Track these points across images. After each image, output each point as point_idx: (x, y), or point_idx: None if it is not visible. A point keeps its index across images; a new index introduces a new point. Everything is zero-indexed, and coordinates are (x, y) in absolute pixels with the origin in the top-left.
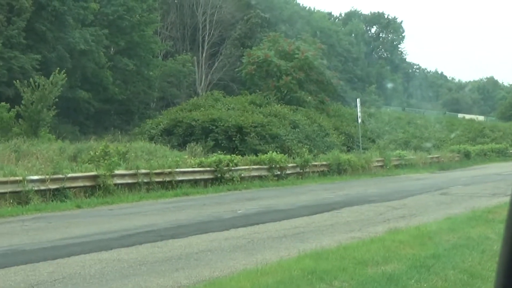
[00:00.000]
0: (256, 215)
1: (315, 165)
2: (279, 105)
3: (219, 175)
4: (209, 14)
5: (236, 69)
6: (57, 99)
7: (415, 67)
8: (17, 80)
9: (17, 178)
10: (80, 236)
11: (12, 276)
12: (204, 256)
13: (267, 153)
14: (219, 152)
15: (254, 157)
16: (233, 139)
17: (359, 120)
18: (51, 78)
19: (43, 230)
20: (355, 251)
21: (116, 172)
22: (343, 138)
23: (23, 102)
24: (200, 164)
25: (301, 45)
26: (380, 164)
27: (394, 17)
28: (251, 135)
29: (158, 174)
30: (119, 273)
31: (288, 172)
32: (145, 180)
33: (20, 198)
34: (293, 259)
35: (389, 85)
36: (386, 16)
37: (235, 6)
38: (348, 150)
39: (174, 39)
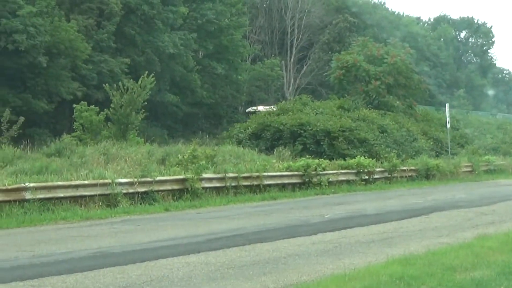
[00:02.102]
0: (343, 220)
1: (403, 170)
2: (368, 109)
3: (307, 179)
4: (298, 19)
5: (325, 74)
6: (145, 103)
7: (505, 72)
8: (107, 84)
9: (106, 181)
10: (168, 239)
11: (101, 278)
12: (291, 260)
13: (355, 158)
14: (307, 156)
15: (342, 162)
16: (321, 143)
17: (448, 125)
18: (139, 82)
19: (131, 233)
20: (443, 257)
21: (204, 175)
22: (431, 143)
23: (112, 105)
24: (288, 168)
25: (390, 50)
26: (468, 169)
27: (484, 22)
28: (339, 140)
29: (246, 178)
30: (207, 276)
31: (376, 176)
32: (233, 184)
33: (109, 201)
34: (381, 264)
35: (479, 91)
36: (475, 21)
37: (323, 11)
38: (437, 155)
39: (262, 43)
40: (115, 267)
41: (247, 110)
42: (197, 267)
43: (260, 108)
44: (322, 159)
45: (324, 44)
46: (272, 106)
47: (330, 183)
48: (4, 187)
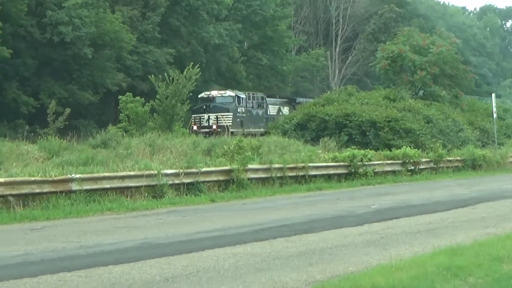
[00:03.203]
0: (389, 210)
1: (449, 160)
2: (413, 99)
3: (352, 170)
4: (343, 9)
5: (370, 64)
6: (191, 94)
7: None
8: (152, 75)
9: (152, 172)
10: (214, 230)
11: (148, 269)
12: (338, 251)
13: (400, 148)
14: (352, 147)
15: (388, 152)
16: (367, 134)
17: (494, 115)
18: (185, 73)
19: (177, 224)
20: (490, 248)
21: (250, 166)
22: (477, 133)
23: (157, 96)
24: (333, 159)
25: (435, 40)
26: None
27: None
28: (385, 130)
29: (291, 169)
30: (253, 267)
31: (421, 167)
32: (278, 175)
33: (155, 192)
34: (428, 255)
35: None
36: None
37: (368, 1)
38: (483, 146)
39: (307, 34)
40: (161, 258)
41: (199, 96)
42: (243, 258)
43: (214, 92)
44: (368, 150)
45: (370, 34)
46: (226, 91)
47: (376, 173)
48: (50, 178)
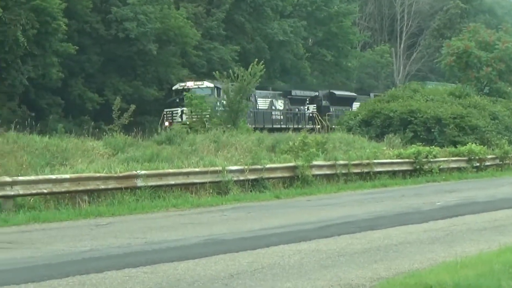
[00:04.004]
0: (455, 207)
1: None
2: (479, 96)
3: (417, 166)
4: (407, 5)
5: (435, 60)
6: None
7: None
8: (217, 71)
9: (217, 168)
10: (279, 227)
11: (213, 265)
12: (403, 248)
13: (466, 145)
14: (417, 143)
15: (453, 149)
16: (432, 130)
17: None
18: (250, 69)
19: (242, 220)
20: None
21: (315, 163)
22: None
23: (221, 92)
24: (398, 156)
25: (502, 36)
26: None
27: None
28: (450, 127)
29: (356, 165)
30: (318, 264)
31: (487, 164)
32: (343, 171)
33: (220, 188)
34: (494, 252)
35: None
36: None
37: None
38: None
39: (372, 30)
40: (226, 254)
41: (173, 88)
42: (308, 255)
43: (190, 83)
44: (433, 146)
45: (435, 30)
46: (204, 82)
47: (441, 170)
48: (116, 175)
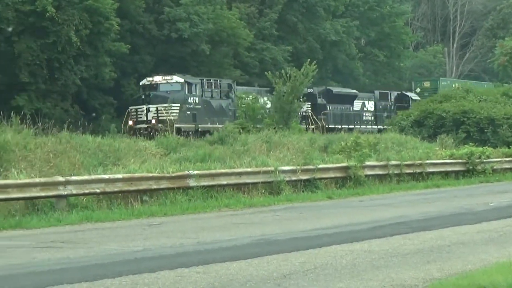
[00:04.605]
0: (509, 208)
1: None
2: None
3: (470, 167)
4: (460, 5)
5: (488, 60)
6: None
7: None
8: (269, 72)
9: (269, 168)
10: (331, 227)
11: (265, 265)
12: (456, 248)
13: None
14: (470, 144)
15: (506, 149)
16: (485, 131)
17: None
18: (302, 69)
19: (294, 220)
20: None
21: (367, 163)
22: None
23: (274, 93)
24: (451, 156)
25: None
26: None
27: None
28: (504, 127)
29: (408, 166)
30: (370, 264)
31: None
32: (395, 172)
33: (272, 188)
34: None
35: None
36: None
37: None
38: None
39: (425, 30)
40: (279, 254)
41: (141, 83)
42: (360, 255)
43: (157, 78)
44: (486, 147)
45: (488, 30)
46: (173, 76)
47: (494, 171)
48: (168, 175)
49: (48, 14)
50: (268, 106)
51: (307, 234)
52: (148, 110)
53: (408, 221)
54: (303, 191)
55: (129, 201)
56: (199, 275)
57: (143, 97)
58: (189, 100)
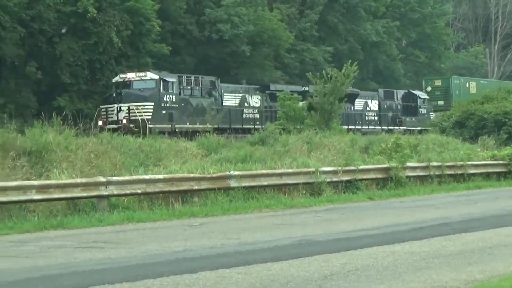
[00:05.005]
0: None
1: None
2: None
3: None
4: (502, 5)
5: None
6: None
7: None
8: (309, 72)
9: (310, 169)
10: (372, 228)
11: (306, 266)
12: (497, 250)
13: None
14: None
15: None
16: None
17: None
18: (343, 70)
19: (335, 221)
20: None
21: (408, 164)
22: None
23: (315, 94)
24: (492, 157)
25: None
26: None
27: None
28: None
29: (449, 167)
30: (412, 266)
31: None
32: (436, 173)
33: (313, 189)
34: None
35: None
36: None
37: None
38: None
39: (466, 31)
40: (320, 255)
41: (113, 80)
42: (401, 257)
43: (131, 75)
44: None
45: None
46: (147, 73)
47: None
48: (209, 175)
49: (89, 15)
50: (258, 105)
51: (348, 235)
52: (119, 110)
53: (450, 222)
54: (344, 192)
55: (170, 202)
56: (240, 275)
57: (114, 95)
58: (165, 99)
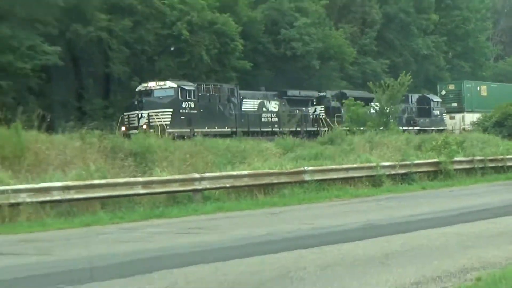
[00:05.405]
0: None
1: None
2: None
3: None
4: None
5: None
6: (403, 97)
7: None
8: (370, 82)
9: (371, 164)
10: (425, 213)
11: (370, 246)
12: None
13: None
14: None
15: None
16: None
17: None
18: (399, 79)
19: (394, 208)
20: None
21: (456, 159)
22: None
23: (375, 100)
24: None
25: None
26: None
27: None
28: None
29: (491, 160)
30: (459, 245)
31: None
32: (480, 166)
33: (374, 181)
34: None
35: None
36: None
37: None
38: None
39: (504, 44)
40: (382, 237)
41: (136, 89)
42: (451, 237)
43: (151, 84)
44: None
45: None
46: (166, 82)
47: None
48: (286, 171)
49: (183, 37)
50: (276, 109)
51: (406, 220)
52: (140, 116)
53: (491, 208)
54: (401, 183)
55: (254, 194)
56: (315, 254)
57: (135, 103)
58: (183, 105)
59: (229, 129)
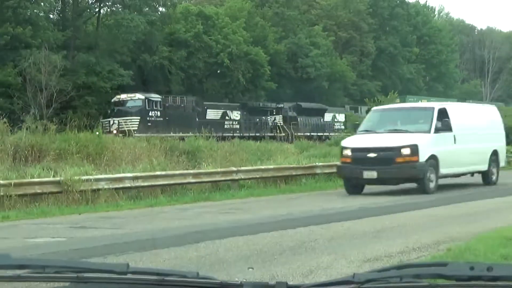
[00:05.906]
0: None
1: None
2: None
3: None
4: (492, 53)
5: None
6: None
7: None
8: (366, 98)
9: None
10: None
11: (365, 224)
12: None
13: None
14: None
15: None
16: None
17: None
18: (388, 96)
19: (388, 194)
20: None
21: None
22: None
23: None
24: None
25: None
26: None
27: None
28: None
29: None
30: (432, 223)
31: None
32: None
33: None
34: None
35: None
36: None
37: (508, 48)
38: None
39: (468, 70)
40: (376, 216)
41: (112, 100)
42: (427, 217)
43: (123, 96)
44: None
45: (511, 69)
46: (136, 94)
47: None
48: (302, 165)
49: (225, 64)
50: (238, 118)
51: (391, 204)
52: (112, 122)
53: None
54: None
55: (277, 183)
56: (323, 230)
57: (109, 111)
58: (150, 114)
59: (192, 134)
